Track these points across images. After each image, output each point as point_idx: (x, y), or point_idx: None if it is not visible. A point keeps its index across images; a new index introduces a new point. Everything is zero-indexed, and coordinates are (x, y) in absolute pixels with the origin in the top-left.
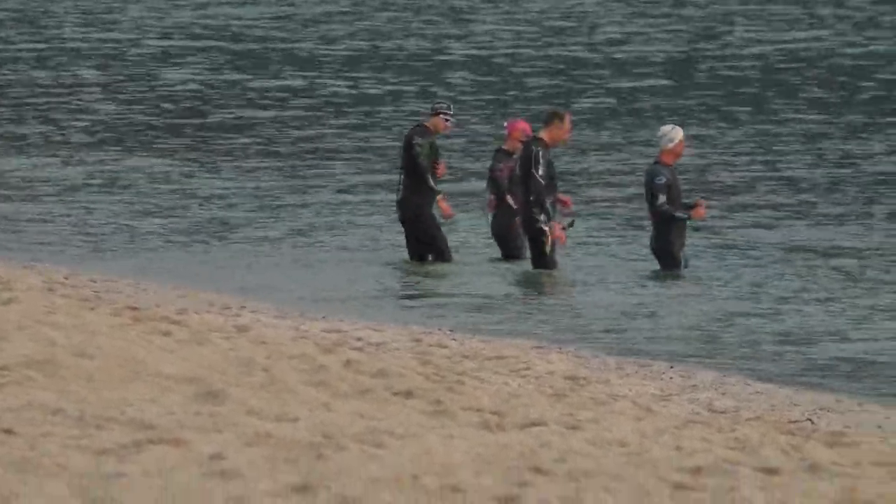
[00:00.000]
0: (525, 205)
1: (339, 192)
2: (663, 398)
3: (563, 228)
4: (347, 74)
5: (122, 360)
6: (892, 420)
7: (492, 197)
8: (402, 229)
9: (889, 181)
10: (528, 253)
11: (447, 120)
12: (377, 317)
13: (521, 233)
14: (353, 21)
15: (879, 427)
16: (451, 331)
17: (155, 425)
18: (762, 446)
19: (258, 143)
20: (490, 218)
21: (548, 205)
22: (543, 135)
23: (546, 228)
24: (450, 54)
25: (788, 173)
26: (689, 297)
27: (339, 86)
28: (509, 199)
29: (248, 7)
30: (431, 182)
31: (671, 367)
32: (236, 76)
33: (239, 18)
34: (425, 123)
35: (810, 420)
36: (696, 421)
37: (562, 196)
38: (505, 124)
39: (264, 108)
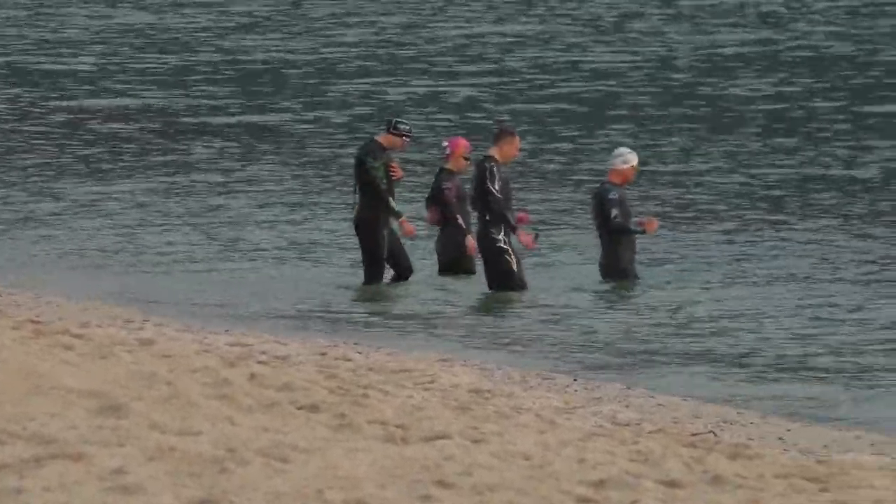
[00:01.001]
0: (482, 223)
1: (262, 206)
2: (567, 411)
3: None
4: (261, 90)
5: (24, 373)
6: (794, 432)
7: (433, 215)
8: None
9: (795, 196)
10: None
11: (405, 138)
12: (281, 331)
13: (477, 252)
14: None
15: (781, 439)
16: (356, 344)
17: (57, 439)
18: (665, 459)
19: (175, 157)
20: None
21: (511, 219)
22: (494, 152)
23: (507, 247)
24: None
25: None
26: (597, 309)
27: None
28: (459, 220)
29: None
30: (393, 204)
31: (575, 380)
32: (158, 94)
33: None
34: (378, 139)
35: (713, 432)
36: (600, 433)
37: (519, 214)
38: (446, 143)
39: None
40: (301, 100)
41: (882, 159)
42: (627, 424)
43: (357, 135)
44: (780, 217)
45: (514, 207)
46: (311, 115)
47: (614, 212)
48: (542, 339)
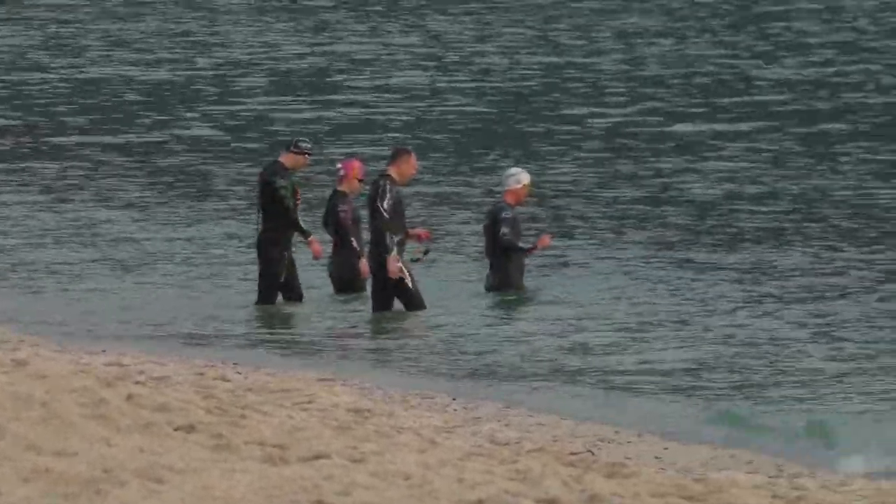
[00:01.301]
0: (374, 243)
1: (142, 224)
2: (447, 430)
3: (416, 260)
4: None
5: None
6: (671, 451)
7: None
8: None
9: (698, 210)
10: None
11: (307, 156)
12: (160, 350)
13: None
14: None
15: (658, 458)
16: (235, 364)
17: None
18: (544, 477)
19: (49, 173)
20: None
21: (388, 240)
22: (391, 171)
23: (399, 265)
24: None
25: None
26: (481, 328)
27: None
28: (354, 243)
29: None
30: (302, 224)
31: (454, 399)
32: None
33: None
34: (281, 161)
35: (591, 451)
36: (479, 453)
37: (419, 231)
38: (340, 165)
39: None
40: (175, 118)
41: (711, 172)
42: (507, 443)
43: (235, 153)
44: (670, 237)
45: (410, 225)
46: (188, 134)
47: (504, 230)
48: (422, 359)
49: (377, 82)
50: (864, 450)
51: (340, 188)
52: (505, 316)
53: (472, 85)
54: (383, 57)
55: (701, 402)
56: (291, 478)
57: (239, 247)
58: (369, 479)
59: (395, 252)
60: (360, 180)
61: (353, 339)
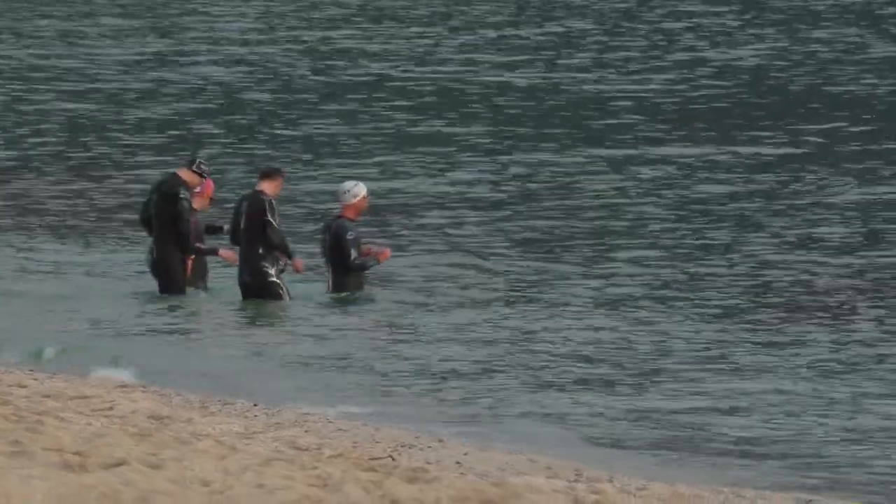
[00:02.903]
0: (255, 256)
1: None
2: (247, 436)
3: (282, 271)
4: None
5: None
6: (471, 456)
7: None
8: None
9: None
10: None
11: (203, 179)
12: None
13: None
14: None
15: (458, 463)
16: (30, 371)
17: None
18: (344, 483)
19: None
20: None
21: (287, 250)
22: (266, 188)
23: (279, 280)
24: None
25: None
26: (284, 334)
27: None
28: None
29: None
30: (193, 243)
31: (255, 405)
32: None
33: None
34: (180, 174)
35: (391, 457)
36: (280, 458)
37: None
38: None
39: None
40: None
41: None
42: (307, 449)
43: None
44: (508, 244)
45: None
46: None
47: (354, 253)
48: (222, 365)
49: None
50: None
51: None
52: (314, 321)
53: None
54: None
55: (500, 405)
56: (91, 484)
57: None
58: (169, 486)
59: (274, 268)
60: (211, 199)
61: (156, 346)
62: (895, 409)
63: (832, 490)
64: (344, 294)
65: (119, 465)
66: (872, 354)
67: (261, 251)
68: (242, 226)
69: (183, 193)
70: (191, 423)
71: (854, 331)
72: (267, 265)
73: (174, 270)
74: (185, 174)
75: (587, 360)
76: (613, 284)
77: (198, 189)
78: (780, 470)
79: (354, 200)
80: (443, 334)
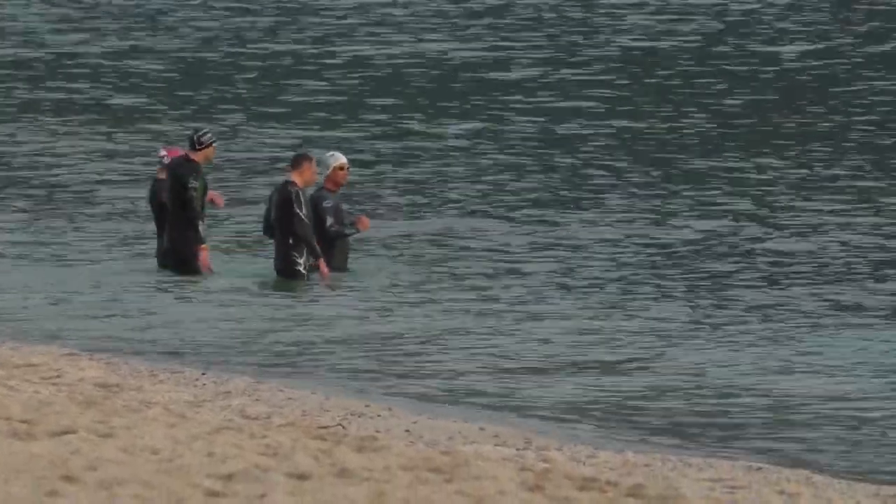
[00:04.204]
0: (286, 245)
1: None
2: (196, 405)
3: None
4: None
5: None
6: (420, 424)
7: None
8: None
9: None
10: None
11: (213, 146)
12: None
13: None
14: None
15: (408, 431)
16: None
17: None
18: (294, 452)
19: None
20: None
21: (312, 246)
22: (295, 177)
23: (306, 273)
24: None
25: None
26: (238, 304)
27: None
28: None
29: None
30: (202, 229)
31: (204, 374)
32: None
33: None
34: (192, 157)
35: (341, 425)
36: (229, 427)
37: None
38: (163, 153)
39: None
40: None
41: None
42: (257, 418)
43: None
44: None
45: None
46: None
47: (329, 220)
48: (172, 334)
49: None
50: None
51: (162, 176)
52: (271, 294)
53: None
54: None
55: (449, 375)
56: (39, 453)
57: None
58: (118, 454)
59: (303, 258)
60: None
61: (101, 315)
62: (833, 379)
63: (780, 457)
64: (339, 271)
65: (67, 433)
66: (810, 324)
67: (291, 241)
68: (273, 216)
69: (191, 183)
70: (140, 391)
71: (792, 300)
72: (297, 255)
73: (188, 257)
74: (195, 155)
75: (539, 334)
76: (567, 263)
77: (166, 160)
78: (728, 438)
79: (328, 171)
80: (399, 309)
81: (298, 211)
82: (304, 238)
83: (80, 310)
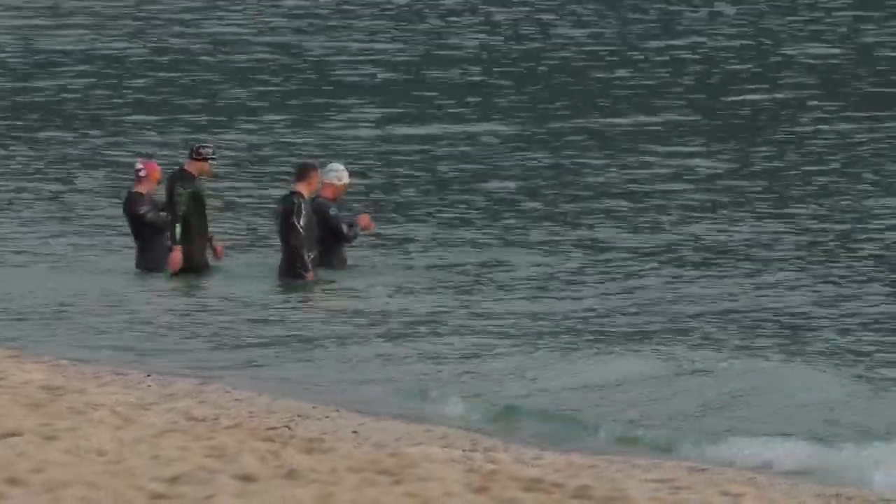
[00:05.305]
0: (291, 255)
1: None
2: (142, 407)
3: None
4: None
5: None
6: (367, 426)
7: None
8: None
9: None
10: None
11: (210, 161)
12: None
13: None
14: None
15: (355, 433)
16: None
17: None
18: (240, 454)
19: None
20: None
21: (306, 257)
22: (302, 188)
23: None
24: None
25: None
26: (189, 309)
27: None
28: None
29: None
30: (178, 232)
31: (148, 376)
32: None
33: None
34: (186, 168)
35: (288, 427)
36: (175, 429)
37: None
38: (140, 166)
39: None
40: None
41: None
42: (203, 420)
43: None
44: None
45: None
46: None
47: (344, 227)
48: (116, 337)
49: None
50: None
51: (138, 189)
52: (226, 296)
53: None
54: None
55: (397, 378)
56: None
57: None
58: (63, 457)
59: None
60: (158, 182)
61: (46, 317)
62: (777, 375)
63: (724, 457)
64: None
65: (12, 435)
66: (750, 322)
67: (293, 249)
68: (278, 226)
69: (178, 188)
70: (85, 393)
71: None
72: (299, 263)
73: (199, 263)
74: (189, 166)
75: (493, 333)
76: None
77: (143, 173)
78: (673, 440)
79: (337, 183)
80: (352, 309)
81: (296, 222)
82: (297, 249)
83: (25, 313)
